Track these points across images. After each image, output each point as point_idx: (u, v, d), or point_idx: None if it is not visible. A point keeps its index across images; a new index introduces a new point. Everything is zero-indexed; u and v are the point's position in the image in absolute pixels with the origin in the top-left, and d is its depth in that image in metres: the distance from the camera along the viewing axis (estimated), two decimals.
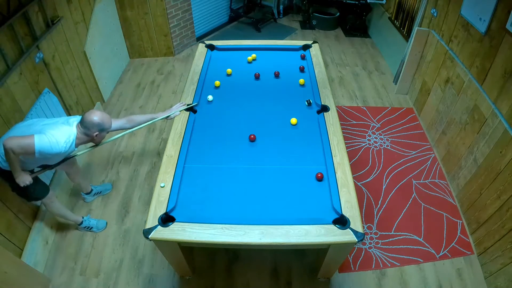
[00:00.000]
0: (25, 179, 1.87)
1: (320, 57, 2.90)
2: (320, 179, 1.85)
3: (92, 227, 2.46)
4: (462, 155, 2.63)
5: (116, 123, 2.06)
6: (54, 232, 2.47)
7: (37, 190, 2.07)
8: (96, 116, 1.86)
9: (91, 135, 1.87)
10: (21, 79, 2.32)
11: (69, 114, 3.04)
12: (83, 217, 2.43)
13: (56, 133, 1.76)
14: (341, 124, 2.24)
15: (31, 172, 1.94)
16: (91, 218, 2.48)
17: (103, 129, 1.89)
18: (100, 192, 2.74)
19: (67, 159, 2.09)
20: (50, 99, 2.57)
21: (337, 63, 4.48)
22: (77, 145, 1.89)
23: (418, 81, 3.56)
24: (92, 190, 2.67)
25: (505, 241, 2.04)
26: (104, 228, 2.50)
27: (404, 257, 2.34)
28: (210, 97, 2.44)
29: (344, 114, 3.55)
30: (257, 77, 2.67)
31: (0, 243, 1.94)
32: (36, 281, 2.09)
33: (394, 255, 2.34)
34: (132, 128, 2.16)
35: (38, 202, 2.43)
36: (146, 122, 2.20)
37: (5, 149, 1.69)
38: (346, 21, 5.21)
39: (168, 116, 2.25)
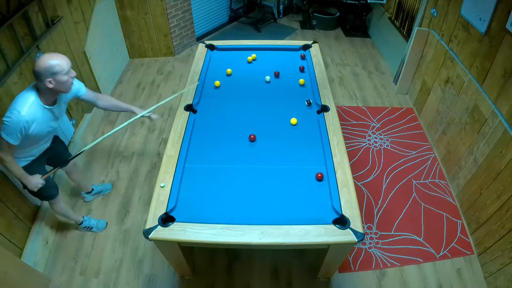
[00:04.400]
0: (36, 182, 1.83)
1: (320, 57, 2.90)
2: (320, 179, 1.85)
3: (92, 227, 2.46)
4: (462, 155, 2.63)
5: (88, 92, 1.98)
6: (54, 232, 2.47)
7: (50, 189, 2.06)
8: (40, 62, 1.58)
9: (48, 86, 1.60)
10: (21, 79, 2.32)
11: (69, 114, 3.05)
12: (83, 217, 2.43)
13: (12, 106, 1.60)
14: (341, 124, 2.24)
15: (37, 172, 1.89)
16: (91, 218, 2.48)
17: (54, 73, 1.58)
18: (100, 192, 2.73)
19: (77, 155, 2.07)
20: None
21: (337, 63, 4.48)
22: (47, 104, 1.69)
23: (418, 81, 3.56)
24: (93, 189, 2.66)
25: (505, 241, 2.04)
26: (104, 228, 2.50)
27: (404, 257, 2.34)
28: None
29: (344, 114, 3.55)
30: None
31: (0, 243, 1.94)
32: (36, 281, 2.09)
33: (394, 255, 2.34)
34: (104, 108, 2.12)
35: (38, 202, 2.43)
36: (120, 109, 2.17)
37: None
38: (346, 21, 5.21)
39: (148, 116, 2.20)
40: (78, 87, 1.91)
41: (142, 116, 2.18)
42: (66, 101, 1.89)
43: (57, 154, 2.13)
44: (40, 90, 1.65)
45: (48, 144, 1.99)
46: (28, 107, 1.60)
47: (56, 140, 2.15)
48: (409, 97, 3.81)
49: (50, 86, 1.59)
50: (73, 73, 1.68)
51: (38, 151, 1.92)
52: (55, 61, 1.59)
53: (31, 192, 1.94)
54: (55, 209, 2.23)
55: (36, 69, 1.57)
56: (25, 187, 1.91)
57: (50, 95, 1.69)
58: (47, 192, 2.04)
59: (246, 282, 2.21)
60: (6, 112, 1.59)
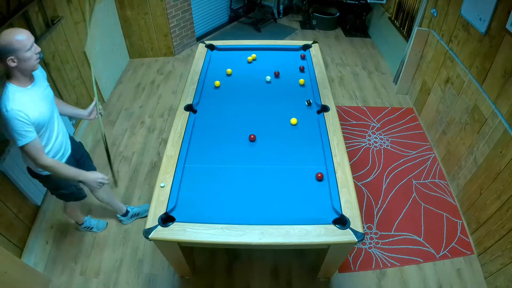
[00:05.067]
0: (96, 177, 1.80)
1: (320, 57, 2.90)
2: (320, 179, 1.85)
3: (92, 227, 2.45)
4: (462, 155, 2.63)
5: None
6: (54, 232, 2.47)
7: (81, 191, 2.01)
8: None
9: (10, 65, 1.45)
10: None
11: None
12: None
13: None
14: (341, 124, 2.24)
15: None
16: (92, 219, 2.48)
17: (15, 49, 1.42)
18: (138, 214, 2.56)
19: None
20: None
21: (337, 63, 4.48)
22: (25, 86, 1.54)
23: (418, 81, 3.56)
24: (128, 211, 2.50)
25: (505, 241, 2.04)
26: (104, 228, 2.50)
27: (404, 257, 2.34)
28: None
29: (344, 114, 3.55)
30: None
31: (0, 243, 1.94)
32: (36, 281, 2.09)
33: (394, 255, 2.34)
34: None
35: (39, 202, 2.43)
36: (65, 113, 1.97)
37: (43, 168, 1.64)
38: (346, 21, 5.21)
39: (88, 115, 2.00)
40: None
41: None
42: (44, 79, 1.74)
43: (82, 161, 2.06)
44: (9, 76, 1.51)
45: (66, 141, 1.86)
46: (10, 100, 1.46)
47: (80, 148, 2.09)
48: (409, 97, 3.81)
49: (13, 64, 1.44)
50: (38, 49, 1.52)
51: (59, 147, 1.79)
52: (15, 37, 1.42)
53: (60, 195, 1.93)
54: (69, 212, 2.20)
55: None
56: (54, 192, 1.87)
57: (20, 75, 1.52)
58: (79, 194, 1.99)
59: (246, 282, 2.21)
60: (3, 117, 1.48)
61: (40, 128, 1.60)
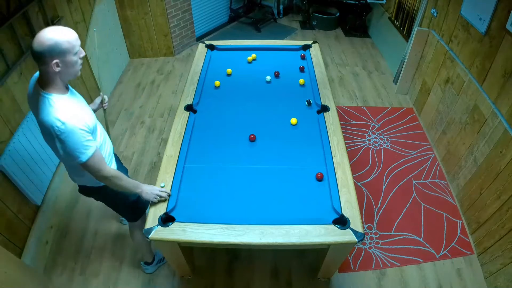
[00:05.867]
0: (152, 188, 1.61)
1: (320, 57, 2.90)
2: (320, 179, 1.85)
3: (163, 257, 2.24)
4: (462, 155, 2.63)
5: None
6: (54, 232, 2.47)
7: (145, 203, 1.75)
8: (42, 39, 1.19)
9: (54, 70, 1.24)
10: (21, 79, 2.32)
11: None
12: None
13: (51, 124, 1.26)
14: (341, 124, 2.24)
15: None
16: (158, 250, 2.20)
17: (59, 52, 1.21)
18: (163, 258, 2.28)
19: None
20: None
21: (337, 63, 4.48)
22: (62, 93, 1.33)
23: (418, 81, 3.56)
24: (154, 259, 2.21)
25: (505, 241, 2.04)
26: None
27: (404, 257, 2.34)
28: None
29: (344, 114, 3.55)
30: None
31: (0, 243, 1.94)
32: (36, 281, 2.09)
33: (394, 255, 2.34)
34: None
35: (39, 202, 2.43)
36: None
37: (105, 180, 1.46)
38: (346, 21, 5.21)
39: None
40: None
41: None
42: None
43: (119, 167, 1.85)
44: (45, 84, 1.28)
45: (111, 146, 1.70)
46: (60, 110, 1.26)
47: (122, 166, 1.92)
48: (409, 97, 3.81)
49: (56, 69, 1.24)
50: (83, 53, 1.33)
51: (109, 154, 1.65)
52: (63, 36, 1.22)
53: (130, 205, 1.74)
54: (135, 236, 1.92)
55: (38, 48, 1.19)
56: (117, 208, 1.75)
57: (59, 82, 1.31)
58: (143, 205, 1.75)
59: (246, 282, 2.21)
60: (56, 135, 1.26)
61: (94, 136, 1.41)
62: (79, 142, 1.29)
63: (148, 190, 1.62)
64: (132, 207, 1.74)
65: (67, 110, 1.28)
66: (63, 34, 1.23)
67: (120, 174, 1.52)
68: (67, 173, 1.63)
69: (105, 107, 1.86)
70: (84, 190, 1.67)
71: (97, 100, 1.84)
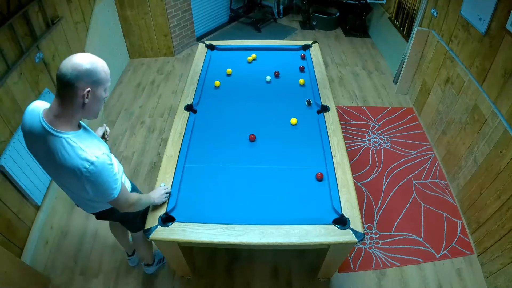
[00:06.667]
0: (159, 192, 1.64)
1: (320, 57, 2.90)
2: (320, 179, 1.85)
3: (163, 257, 2.23)
4: (462, 155, 2.63)
5: None
6: (54, 232, 2.47)
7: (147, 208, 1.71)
8: (81, 60, 1.06)
9: (81, 100, 1.09)
10: (21, 79, 2.32)
11: None
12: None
13: (79, 162, 1.13)
14: (341, 124, 2.24)
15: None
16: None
17: (98, 81, 1.10)
18: (163, 258, 2.26)
19: None
20: (50, 100, 2.56)
21: (337, 63, 4.48)
22: (75, 129, 1.18)
23: (418, 81, 3.56)
24: (154, 260, 2.17)
25: (505, 241, 2.04)
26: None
27: (404, 257, 2.34)
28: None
29: (344, 114, 3.55)
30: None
31: (0, 243, 1.94)
32: (36, 281, 2.09)
33: (394, 255, 2.34)
34: None
35: (39, 202, 2.43)
36: None
37: (131, 207, 1.41)
38: (346, 21, 5.21)
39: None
40: None
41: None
42: None
43: None
44: (64, 118, 1.13)
45: (118, 163, 1.68)
46: (84, 147, 1.13)
47: None
48: (409, 97, 3.81)
49: (86, 101, 1.10)
50: (108, 93, 1.21)
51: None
52: (103, 66, 1.11)
53: (133, 225, 1.75)
54: (141, 245, 1.93)
55: (72, 71, 1.04)
56: (129, 226, 1.76)
57: (74, 121, 1.17)
58: (147, 210, 1.70)
59: (246, 282, 2.21)
60: (85, 177, 1.14)
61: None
62: (110, 178, 1.19)
63: (157, 195, 1.64)
64: (144, 214, 1.71)
65: (91, 147, 1.15)
66: (101, 62, 1.12)
67: (139, 195, 1.50)
68: (75, 204, 1.58)
69: (107, 139, 1.69)
70: (101, 215, 1.61)
71: (99, 132, 1.65)
